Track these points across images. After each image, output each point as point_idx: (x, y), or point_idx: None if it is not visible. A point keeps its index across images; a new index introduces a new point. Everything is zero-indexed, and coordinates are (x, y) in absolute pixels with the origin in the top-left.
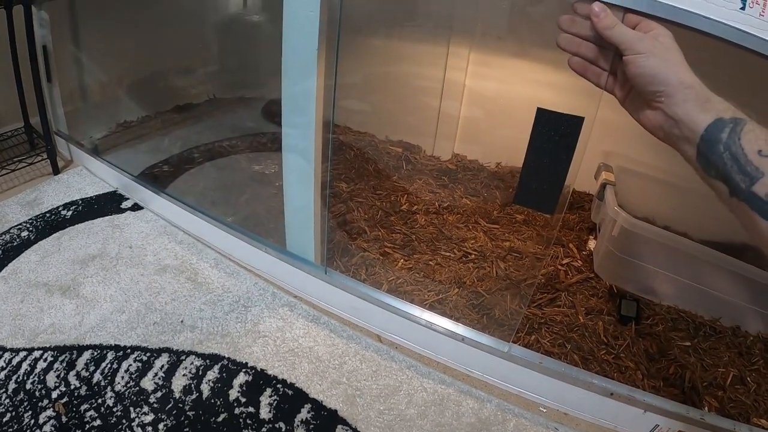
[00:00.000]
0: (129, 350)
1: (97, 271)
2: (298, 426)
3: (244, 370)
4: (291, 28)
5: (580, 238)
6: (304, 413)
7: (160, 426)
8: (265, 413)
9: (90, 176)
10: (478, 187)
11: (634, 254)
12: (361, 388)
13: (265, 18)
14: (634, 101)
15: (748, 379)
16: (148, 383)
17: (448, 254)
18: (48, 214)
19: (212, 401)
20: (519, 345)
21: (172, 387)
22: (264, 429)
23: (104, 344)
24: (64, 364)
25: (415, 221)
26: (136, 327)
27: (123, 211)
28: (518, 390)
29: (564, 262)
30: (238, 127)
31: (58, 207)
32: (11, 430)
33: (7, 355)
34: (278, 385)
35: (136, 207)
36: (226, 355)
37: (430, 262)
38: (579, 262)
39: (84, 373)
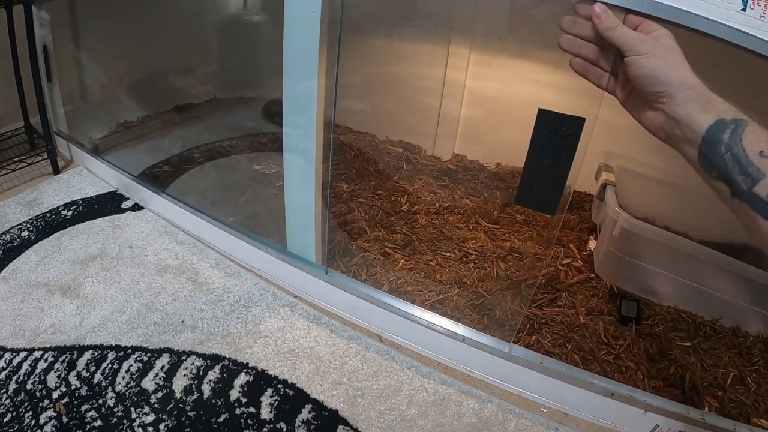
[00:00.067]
0: (130, 350)
1: (97, 271)
2: (299, 426)
3: (245, 370)
4: (292, 29)
5: (580, 239)
6: (305, 413)
7: (161, 426)
8: (266, 413)
9: (90, 176)
10: (478, 188)
11: (635, 255)
12: (362, 389)
13: (266, 18)
14: (636, 102)
15: (748, 379)
16: (148, 383)
17: (448, 254)
18: (48, 214)
19: (213, 401)
20: (520, 345)
21: (173, 387)
22: (265, 429)
23: (105, 344)
24: (65, 365)
25: (415, 221)
26: (137, 327)
27: (123, 211)
28: (519, 390)
29: (564, 262)
30: (238, 127)
31: (58, 207)
32: (12, 430)
33: (7, 356)
34: (279, 386)
35: (136, 207)
36: (227, 356)
37: (431, 263)
38: (579, 262)
39: (85, 374)
